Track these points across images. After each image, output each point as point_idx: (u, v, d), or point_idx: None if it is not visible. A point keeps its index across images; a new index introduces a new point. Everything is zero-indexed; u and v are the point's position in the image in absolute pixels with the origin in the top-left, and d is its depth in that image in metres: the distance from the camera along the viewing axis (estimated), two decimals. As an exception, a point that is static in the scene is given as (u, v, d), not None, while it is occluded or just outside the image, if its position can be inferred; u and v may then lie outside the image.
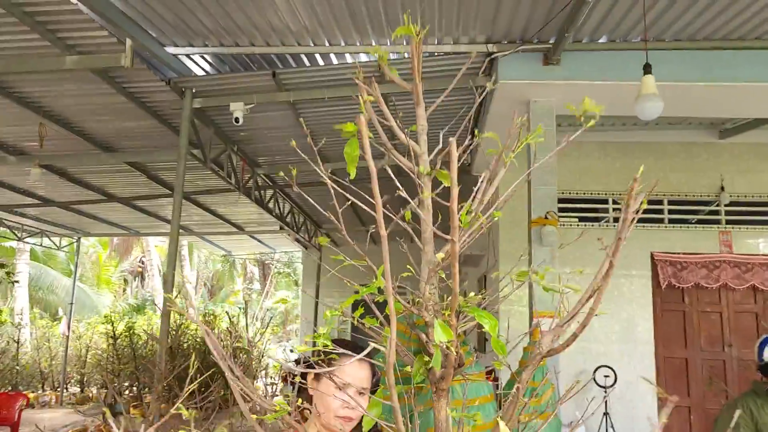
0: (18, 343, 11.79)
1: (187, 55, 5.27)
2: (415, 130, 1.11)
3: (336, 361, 1.54)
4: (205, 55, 5.35)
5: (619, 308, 6.81)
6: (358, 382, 1.44)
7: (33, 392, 11.64)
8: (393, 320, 0.87)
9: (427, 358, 1.06)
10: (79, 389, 12.42)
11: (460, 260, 1.07)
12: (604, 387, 6.43)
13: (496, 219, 1.06)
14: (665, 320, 6.83)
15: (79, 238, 12.30)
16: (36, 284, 17.00)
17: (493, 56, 4.97)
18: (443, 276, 1.07)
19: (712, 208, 6.95)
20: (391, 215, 1.05)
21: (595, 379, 6.51)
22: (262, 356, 10.49)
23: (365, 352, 0.98)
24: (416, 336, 1.06)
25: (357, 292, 1.05)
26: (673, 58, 4.93)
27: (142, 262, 24.87)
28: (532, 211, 5.07)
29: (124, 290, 24.96)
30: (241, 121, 5.38)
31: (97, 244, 22.59)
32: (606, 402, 6.35)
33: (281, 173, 1.56)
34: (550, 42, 4.87)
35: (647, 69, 4.27)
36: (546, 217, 5.00)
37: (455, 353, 0.99)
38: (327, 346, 1.08)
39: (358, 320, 1.11)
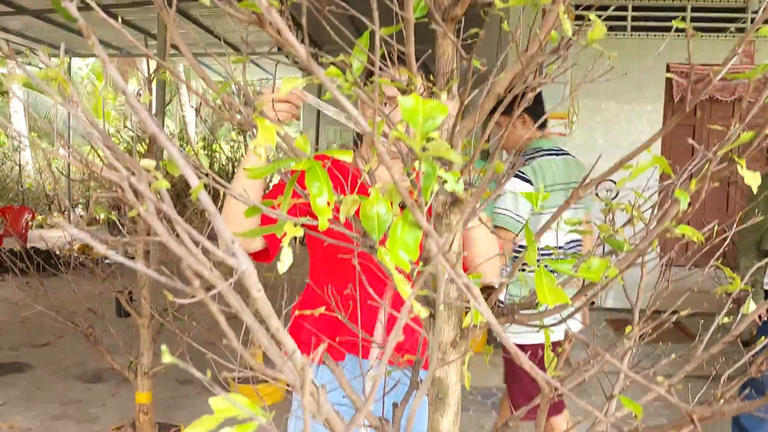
0: (20, 166, 11.79)
1: None
2: None
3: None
4: None
5: (627, 123, 6.60)
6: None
7: (41, 215, 11.86)
8: None
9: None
10: (85, 212, 12.65)
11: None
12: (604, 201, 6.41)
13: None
14: (674, 135, 6.64)
15: (70, 58, 11.81)
16: (32, 112, 16.73)
17: None
18: None
19: (739, 15, 6.46)
20: None
21: (597, 194, 6.47)
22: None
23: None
24: None
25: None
26: None
27: (140, 95, 24.40)
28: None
29: (125, 125, 24.76)
30: None
31: (92, 75, 21.97)
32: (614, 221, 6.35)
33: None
34: None
35: None
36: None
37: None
38: None
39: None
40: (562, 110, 5.01)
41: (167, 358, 0.49)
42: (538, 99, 2.71)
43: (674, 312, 0.99)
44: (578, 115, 5.87)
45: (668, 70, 6.44)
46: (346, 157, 0.79)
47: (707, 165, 0.80)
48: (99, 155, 2.84)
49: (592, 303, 5.84)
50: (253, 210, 0.78)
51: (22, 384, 4.21)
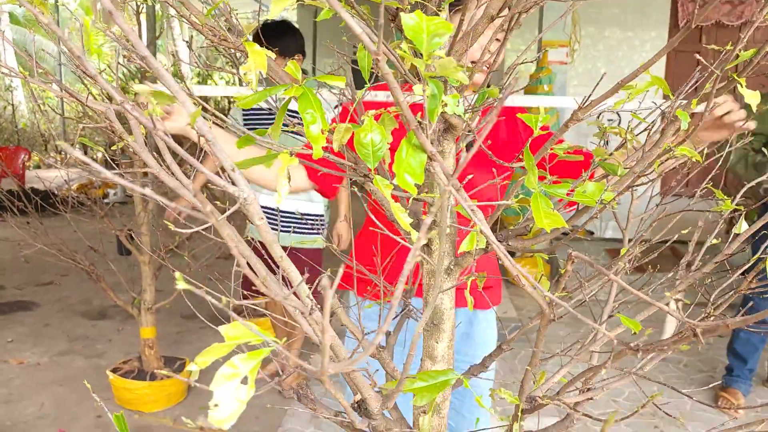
0: (13, 106, 11.62)
1: None
2: None
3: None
4: None
5: (631, 50, 6.45)
6: None
7: (38, 155, 11.78)
8: None
9: None
10: (82, 151, 12.56)
11: None
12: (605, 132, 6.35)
13: None
14: (678, 62, 6.51)
15: (56, -6, 11.44)
16: (22, 50, 16.34)
17: None
18: None
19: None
20: None
21: (599, 127, 6.40)
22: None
23: None
24: None
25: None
26: None
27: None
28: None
29: (118, 64, 24.28)
30: None
31: (80, 10, 21.40)
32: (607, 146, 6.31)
33: None
34: None
35: None
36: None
37: None
38: None
39: None
40: (563, 38, 4.88)
41: (181, 284, 0.49)
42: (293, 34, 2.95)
43: (667, 241, 1.00)
44: (580, 43, 5.73)
45: (674, -6, 6.26)
46: (339, 83, 0.77)
47: (709, 85, 0.77)
48: (89, 89, 2.78)
49: (591, 233, 5.87)
50: (246, 140, 0.76)
51: (29, 321, 4.29)
